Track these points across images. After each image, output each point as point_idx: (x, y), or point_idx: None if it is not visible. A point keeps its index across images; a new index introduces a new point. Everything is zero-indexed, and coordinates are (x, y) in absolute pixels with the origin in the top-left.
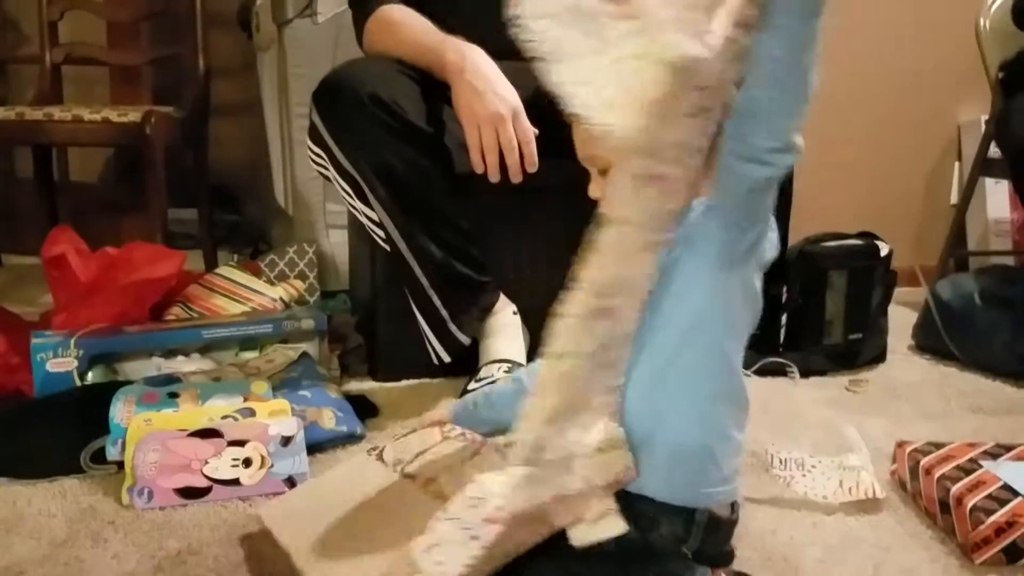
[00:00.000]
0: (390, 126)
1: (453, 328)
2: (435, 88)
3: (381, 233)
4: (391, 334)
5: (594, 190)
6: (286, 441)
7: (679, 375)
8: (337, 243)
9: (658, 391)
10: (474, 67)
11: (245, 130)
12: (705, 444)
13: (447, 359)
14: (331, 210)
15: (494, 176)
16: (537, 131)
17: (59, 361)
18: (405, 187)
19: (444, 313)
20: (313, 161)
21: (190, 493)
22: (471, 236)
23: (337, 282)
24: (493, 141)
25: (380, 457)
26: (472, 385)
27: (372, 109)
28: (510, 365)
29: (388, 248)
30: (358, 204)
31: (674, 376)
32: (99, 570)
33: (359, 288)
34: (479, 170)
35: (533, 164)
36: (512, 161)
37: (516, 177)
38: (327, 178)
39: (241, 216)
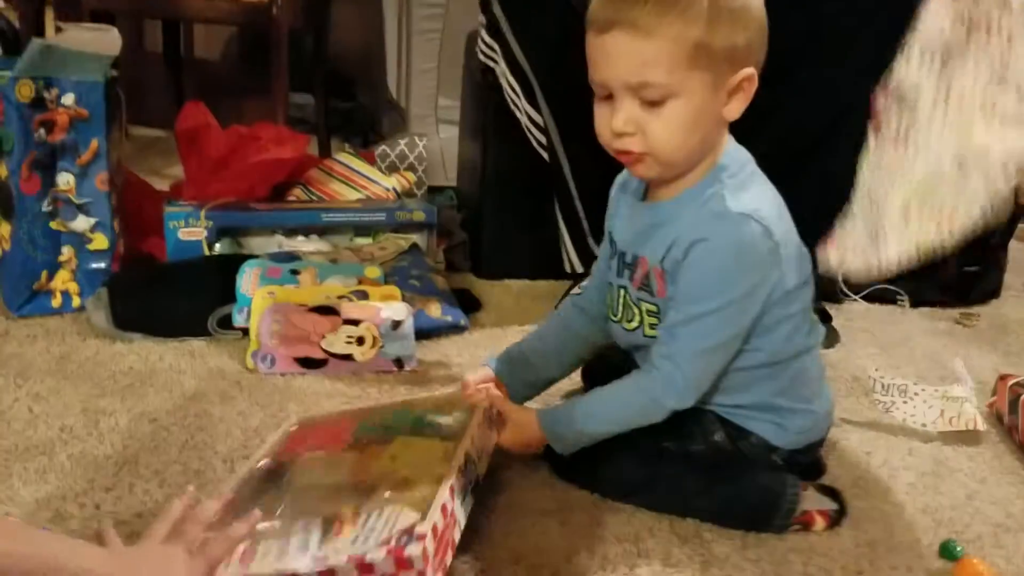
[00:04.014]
0: (576, 24)
1: (591, 241)
2: None
3: (542, 138)
4: (496, 233)
5: (624, 122)
6: (396, 325)
7: None
8: (447, 138)
9: None
10: None
11: (363, 18)
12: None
13: (580, 269)
14: (443, 104)
15: None
16: None
17: (190, 231)
18: (580, 91)
19: (585, 225)
20: (483, 53)
21: (308, 363)
22: None
23: (444, 178)
24: None
25: None
26: (576, 290)
27: (561, 10)
28: None
29: (545, 154)
30: (524, 104)
31: None
32: (225, 423)
33: (467, 186)
34: None
35: None
36: None
37: None
38: (493, 72)
39: (355, 104)
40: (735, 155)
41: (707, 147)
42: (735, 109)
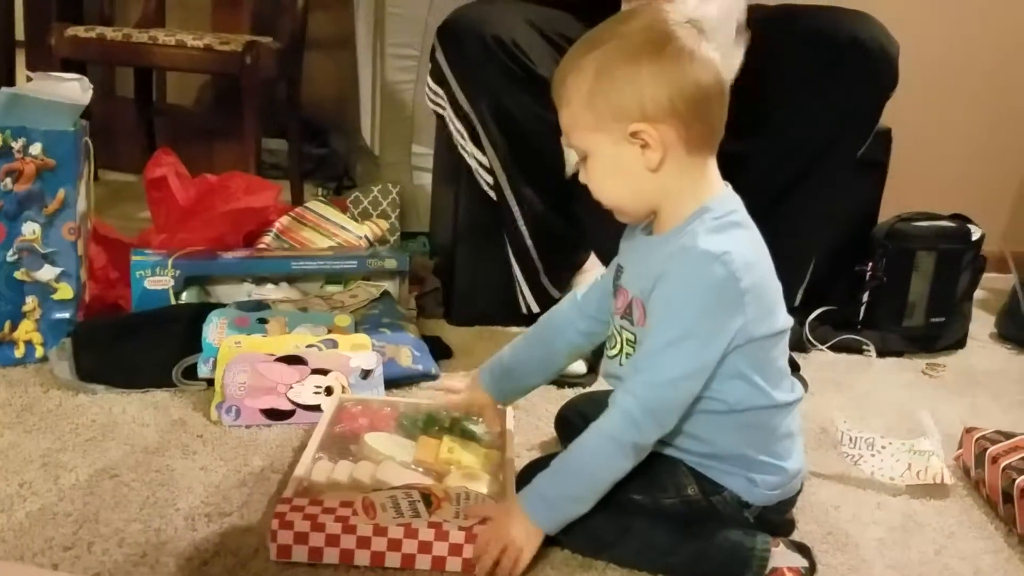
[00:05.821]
0: (513, 72)
1: (545, 280)
2: (561, 42)
3: (489, 179)
4: (468, 279)
5: (581, 175)
6: (366, 374)
7: None
8: (420, 185)
9: None
10: None
11: (337, 65)
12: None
13: (536, 309)
14: (416, 152)
15: None
16: None
17: (157, 280)
18: (520, 134)
19: (539, 265)
20: (430, 100)
21: (274, 415)
22: (575, 191)
23: (417, 224)
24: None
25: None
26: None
27: (497, 53)
28: None
29: (494, 195)
30: (470, 147)
31: None
32: (187, 479)
33: (439, 232)
34: None
35: None
36: None
37: None
38: (442, 118)
39: (328, 150)
40: (723, 201)
41: (653, 196)
42: (652, 161)
